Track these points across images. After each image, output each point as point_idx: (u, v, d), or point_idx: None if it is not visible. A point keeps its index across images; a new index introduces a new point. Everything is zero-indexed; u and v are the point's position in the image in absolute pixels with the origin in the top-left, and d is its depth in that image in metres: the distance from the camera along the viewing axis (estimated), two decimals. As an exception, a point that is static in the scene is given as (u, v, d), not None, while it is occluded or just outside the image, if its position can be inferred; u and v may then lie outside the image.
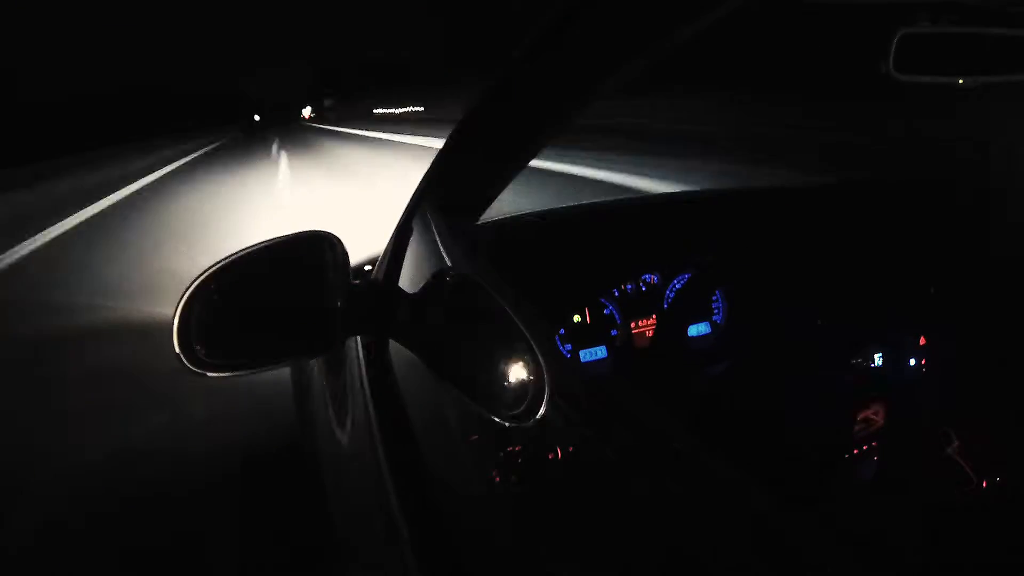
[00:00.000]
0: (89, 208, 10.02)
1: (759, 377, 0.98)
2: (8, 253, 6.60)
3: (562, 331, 1.08)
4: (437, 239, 0.80)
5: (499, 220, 1.14)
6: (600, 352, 1.10)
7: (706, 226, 1.18)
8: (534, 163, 0.86)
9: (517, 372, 0.52)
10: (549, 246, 1.12)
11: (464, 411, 0.61)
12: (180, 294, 0.68)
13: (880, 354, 1.01)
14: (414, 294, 0.72)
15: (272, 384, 2.05)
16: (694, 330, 1.13)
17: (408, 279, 0.85)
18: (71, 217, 9.15)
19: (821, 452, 0.94)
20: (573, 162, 7.62)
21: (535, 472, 0.51)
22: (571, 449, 0.47)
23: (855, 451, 0.95)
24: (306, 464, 1.32)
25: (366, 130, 26.72)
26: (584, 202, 1.35)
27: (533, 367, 0.51)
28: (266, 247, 0.73)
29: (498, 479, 0.54)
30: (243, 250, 0.73)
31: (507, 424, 0.53)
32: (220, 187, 11.01)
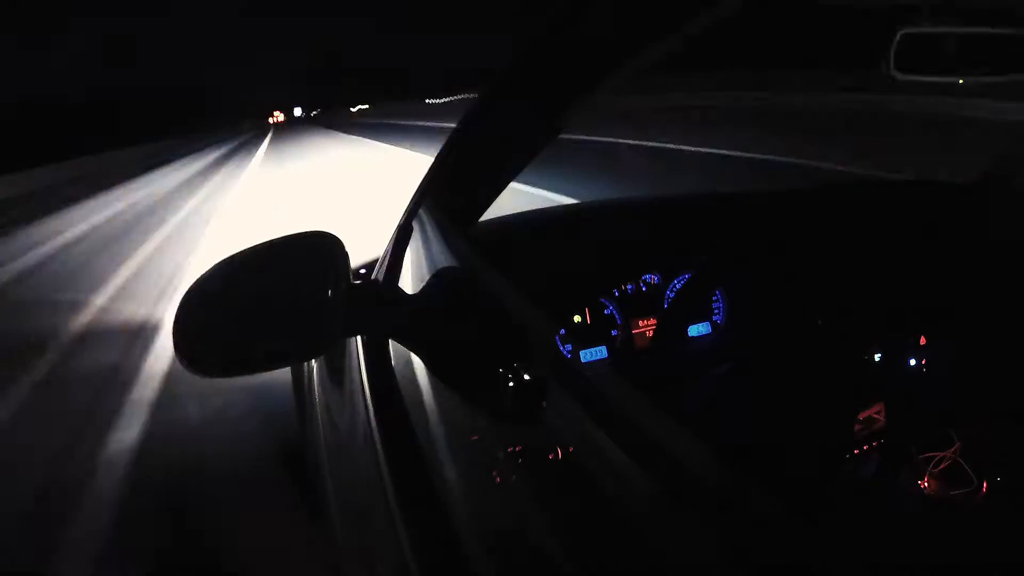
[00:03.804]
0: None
1: (759, 377, 0.98)
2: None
3: (562, 331, 1.08)
4: (437, 239, 0.80)
5: (499, 220, 1.14)
6: (600, 352, 1.10)
7: (706, 226, 1.18)
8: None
9: (517, 372, 0.52)
10: (549, 246, 1.12)
11: (464, 411, 0.61)
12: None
13: (880, 354, 1.01)
14: (414, 294, 0.72)
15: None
16: (694, 330, 1.13)
17: (408, 279, 0.85)
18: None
19: (821, 452, 0.94)
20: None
21: (535, 472, 0.51)
22: (571, 449, 0.47)
23: (855, 451, 0.95)
24: (306, 464, 1.32)
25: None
26: (584, 202, 1.35)
27: (533, 367, 0.51)
28: (266, 247, 0.73)
29: (498, 479, 0.54)
30: (243, 250, 0.73)
31: (507, 424, 0.53)
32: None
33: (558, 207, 1.27)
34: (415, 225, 0.92)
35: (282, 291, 0.72)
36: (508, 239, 1.10)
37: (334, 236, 0.72)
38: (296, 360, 1.22)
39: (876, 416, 0.96)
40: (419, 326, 0.68)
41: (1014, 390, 0.93)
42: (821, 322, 1.02)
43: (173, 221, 8.22)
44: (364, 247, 1.37)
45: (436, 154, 0.87)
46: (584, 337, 1.09)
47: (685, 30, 0.54)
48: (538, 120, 0.77)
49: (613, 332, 1.12)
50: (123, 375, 2.91)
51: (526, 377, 0.51)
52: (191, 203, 9.94)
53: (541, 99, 0.74)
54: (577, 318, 1.09)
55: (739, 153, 7.32)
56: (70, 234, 8.27)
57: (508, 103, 0.75)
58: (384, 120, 34.00)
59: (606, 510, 0.43)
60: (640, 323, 1.13)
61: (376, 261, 1.11)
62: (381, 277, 0.94)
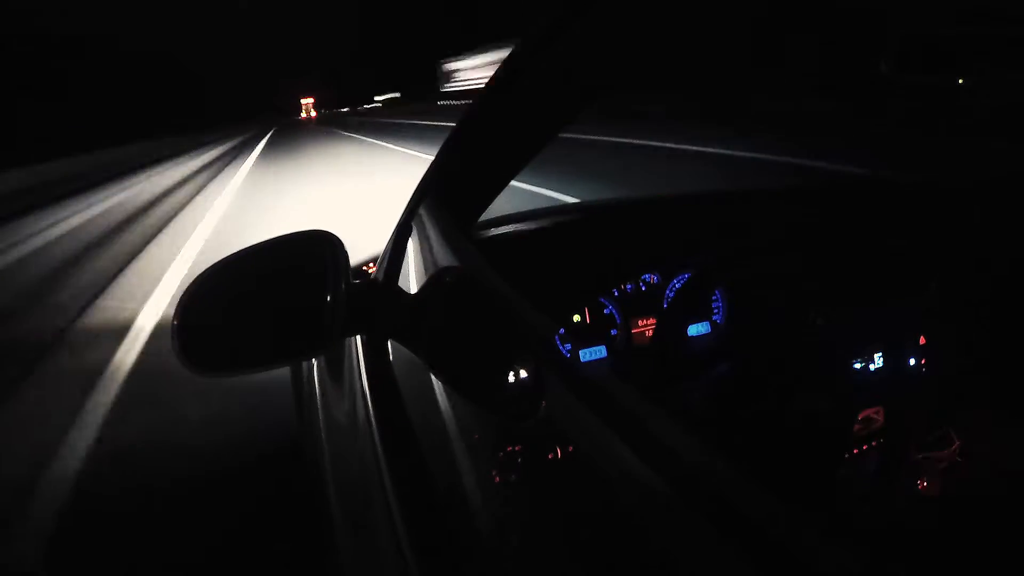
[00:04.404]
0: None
1: (759, 377, 0.98)
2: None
3: (562, 331, 1.08)
4: (437, 239, 0.80)
5: (499, 219, 1.14)
6: (600, 352, 1.10)
7: (706, 226, 1.18)
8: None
9: (517, 372, 0.52)
10: (549, 246, 1.12)
11: (464, 411, 0.61)
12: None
13: (880, 354, 1.01)
14: (414, 294, 0.72)
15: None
16: (694, 330, 1.13)
17: (408, 278, 0.85)
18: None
19: (821, 452, 0.94)
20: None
21: (535, 472, 0.51)
22: (571, 449, 0.47)
23: (855, 451, 0.95)
24: (305, 463, 1.32)
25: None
26: (584, 201, 1.35)
27: (533, 367, 0.51)
28: (266, 247, 0.73)
29: (498, 479, 0.54)
30: (243, 250, 0.73)
31: (507, 424, 0.53)
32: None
33: (558, 207, 1.27)
34: (415, 224, 0.92)
35: (282, 290, 0.72)
36: (508, 238, 1.10)
37: (334, 235, 0.72)
38: (296, 360, 1.22)
39: (875, 416, 0.96)
40: (419, 326, 0.68)
41: (1013, 390, 0.94)
42: (821, 322, 1.02)
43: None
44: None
45: (436, 153, 0.87)
46: (584, 337, 1.09)
47: (683, 32, 0.54)
48: (537, 120, 0.77)
49: (612, 332, 1.12)
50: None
51: (525, 377, 0.51)
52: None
53: (540, 99, 0.74)
54: (577, 318, 1.09)
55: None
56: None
57: (507, 103, 0.76)
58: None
59: (605, 509, 0.43)
60: (640, 323, 1.13)
61: (376, 260, 1.11)
62: (381, 276, 0.94)
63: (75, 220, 6.29)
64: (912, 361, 1.02)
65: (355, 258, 1.29)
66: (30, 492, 2.04)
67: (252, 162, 15.61)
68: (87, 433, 2.42)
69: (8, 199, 7.47)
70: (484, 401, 0.56)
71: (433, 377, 0.65)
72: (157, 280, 4.65)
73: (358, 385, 0.85)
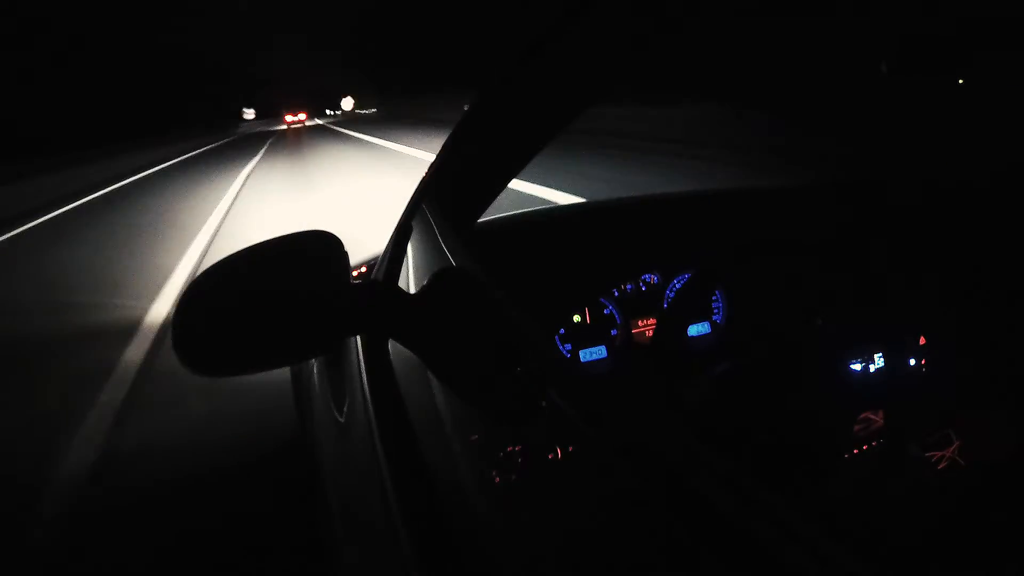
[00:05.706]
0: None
1: (759, 377, 0.98)
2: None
3: (562, 331, 1.08)
4: (437, 238, 0.80)
5: (499, 219, 1.14)
6: (600, 352, 1.10)
7: (706, 226, 1.18)
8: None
9: (517, 372, 0.52)
10: (549, 246, 1.12)
11: (464, 411, 0.61)
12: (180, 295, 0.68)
13: (880, 354, 1.01)
14: (414, 294, 0.72)
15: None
16: (694, 330, 1.13)
17: (408, 279, 0.85)
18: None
19: (821, 452, 0.94)
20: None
21: (535, 472, 0.51)
22: (571, 449, 0.47)
23: (855, 451, 0.95)
24: (305, 464, 1.32)
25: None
26: (584, 201, 1.35)
27: (533, 367, 0.51)
28: (265, 246, 0.73)
29: (498, 479, 0.54)
30: (242, 249, 0.73)
31: (507, 424, 0.53)
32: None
33: (557, 207, 1.27)
34: (415, 224, 0.92)
35: (282, 290, 0.72)
36: (508, 239, 1.10)
37: (334, 235, 0.72)
38: (296, 360, 1.22)
39: (875, 416, 0.96)
40: (419, 326, 0.68)
41: (1013, 389, 0.94)
42: (821, 322, 1.02)
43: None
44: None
45: (436, 153, 0.87)
46: (583, 337, 1.09)
47: (687, 30, 0.54)
48: (537, 120, 0.77)
49: (613, 332, 1.12)
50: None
51: (525, 377, 0.51)
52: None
53: (540, 99, 0.74)
54: (577, 318, 1.09)
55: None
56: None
57: (507, 103, 0.76)
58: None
59: (605, 510, 0.43)
60: (640, 323, 1.13)
61: (376, 260, 1.11)
62: (381, 276, 0.94)
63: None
64: (912, 361, 1.02)
65: (355, 258, 1.29)
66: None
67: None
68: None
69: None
70: (484, 401, 0.56)
71: (433, 377, 0.66)
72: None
73: (358, 385, 0.85)
